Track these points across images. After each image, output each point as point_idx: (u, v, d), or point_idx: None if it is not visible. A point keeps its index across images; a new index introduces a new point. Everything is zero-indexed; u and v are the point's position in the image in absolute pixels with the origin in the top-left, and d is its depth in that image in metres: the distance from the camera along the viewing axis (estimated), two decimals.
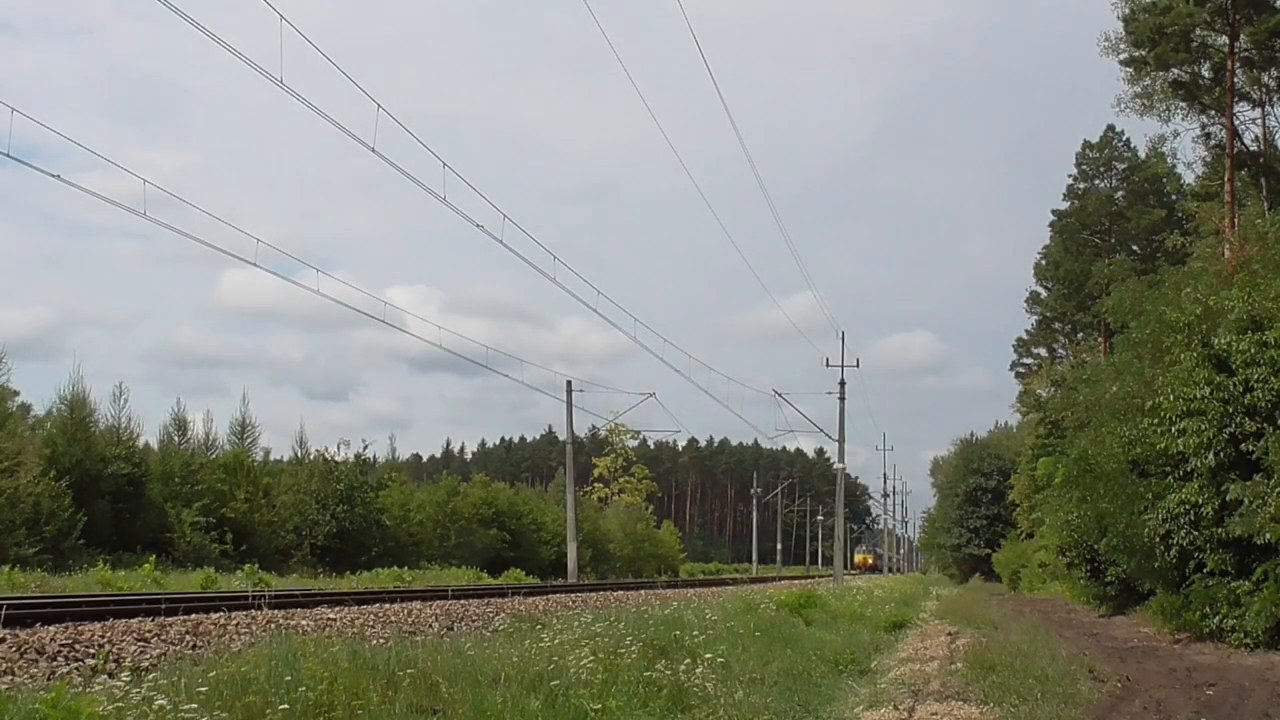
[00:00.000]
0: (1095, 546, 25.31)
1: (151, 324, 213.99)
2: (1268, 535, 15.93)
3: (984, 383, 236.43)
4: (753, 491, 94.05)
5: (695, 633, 12.31)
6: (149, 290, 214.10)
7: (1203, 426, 17.47)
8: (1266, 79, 33.22)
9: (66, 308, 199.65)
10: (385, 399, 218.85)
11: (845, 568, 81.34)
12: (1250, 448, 16.86)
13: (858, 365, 56.91)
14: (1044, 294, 56.54)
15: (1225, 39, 32.57)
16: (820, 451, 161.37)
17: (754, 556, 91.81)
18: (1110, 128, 51.08)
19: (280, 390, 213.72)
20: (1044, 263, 55.48)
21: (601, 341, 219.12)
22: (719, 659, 10.41)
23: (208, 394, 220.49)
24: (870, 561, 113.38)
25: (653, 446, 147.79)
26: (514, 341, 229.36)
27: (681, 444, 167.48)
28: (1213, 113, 33.91)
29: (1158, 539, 18.51)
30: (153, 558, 27.47)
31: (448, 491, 50.87)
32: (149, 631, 11.33)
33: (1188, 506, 17.79)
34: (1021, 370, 62.22)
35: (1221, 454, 17.25)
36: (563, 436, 48.65)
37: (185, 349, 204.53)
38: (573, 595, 25.18)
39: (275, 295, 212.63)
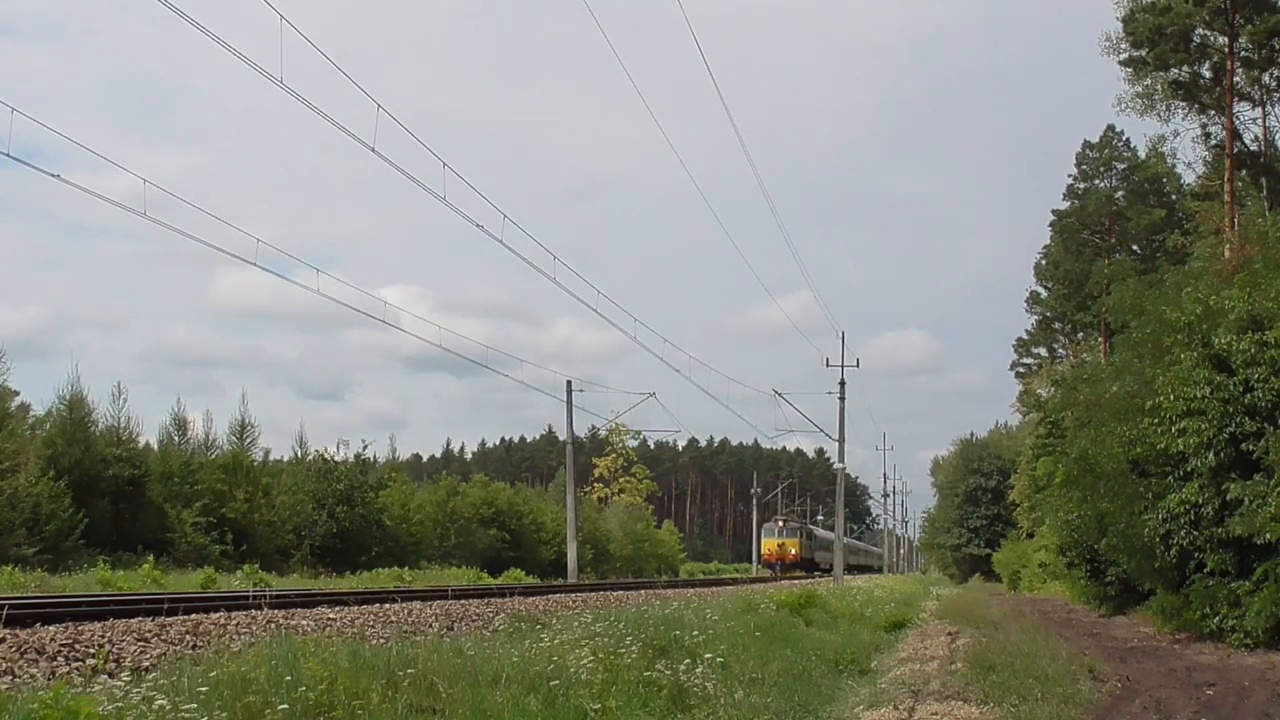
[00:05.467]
0: (1095, 546, 25.30)
1: (146, 323, 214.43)
2: (1268, 535, 15.93)
3: (983, 383, 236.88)
4: (753, 491, 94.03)
5: (695, 633, 12.30)
6: (143, 289, 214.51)
7: (1203, 426, 17.46)
8: (1266, 79, 33.22)
9: (61, 307, 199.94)
10: (381, 399, 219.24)
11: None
12: (1250, 447, 16.85)
13: (857, 365, 56.76)
14: (1044, 294, 56.55)
15: (1225, 39, 32.56)
16: (820, 451, 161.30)
17: (754, 556, 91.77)
18: (1110, 128, 51.13)
19: (275, 390, 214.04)
20: (1044, 263, 55.49)
21: (596, 341, 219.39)
22: (719, 659, 10.41)
23: (203, 393, 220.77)
24: (794, 553, 71.16)
25: (653, 446, 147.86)
26: (507, 341, 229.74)
27: (681, 444, 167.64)
28: (1213, 113, 33.92)
29: (1158, 539, 18.50)
30: (153, 558, 27.46)
31: (447, 491, 50.85)
32: (149, 631, 11.32)
33: (1188, 506, 17.78)
34: (1021, 370, 62.27)
35: (1222, 454, 17.25)
36: (563, 436, 48.64)
37: (180, 348, 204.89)
38: (573, 595, 25.17)
39: (269, 295, 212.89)
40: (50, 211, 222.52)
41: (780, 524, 75.31)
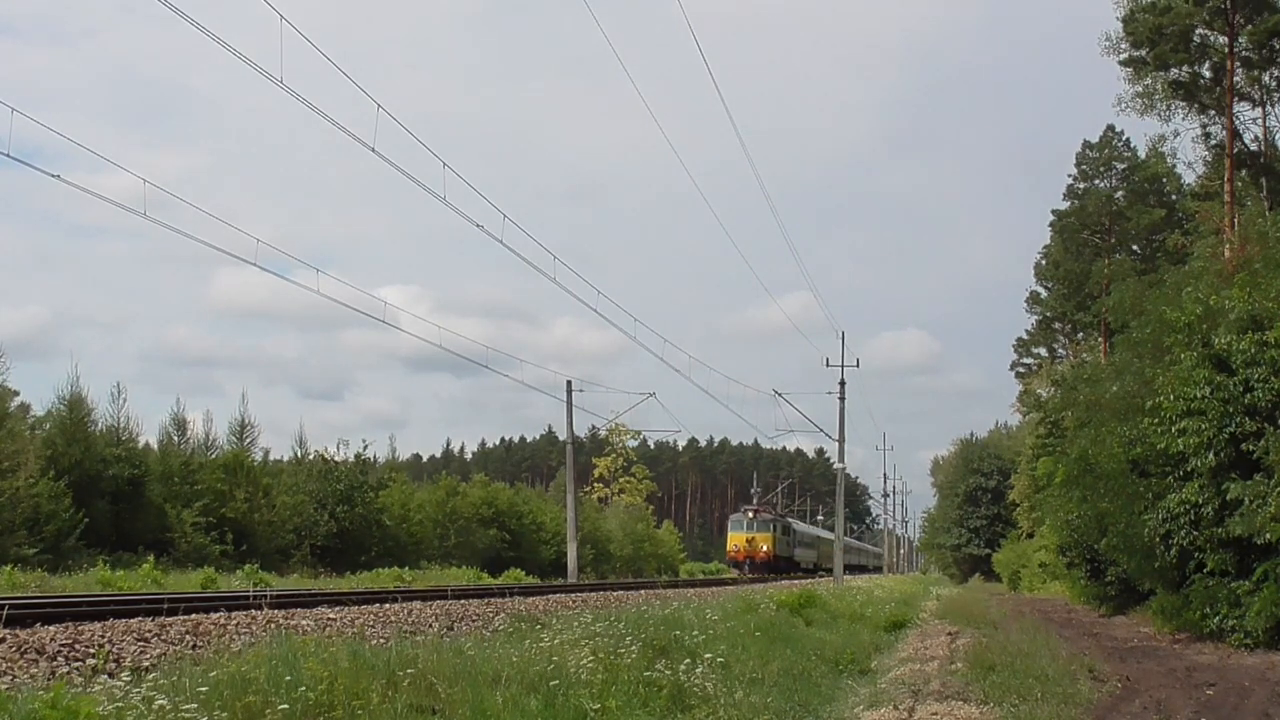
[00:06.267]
0: (1095, 546, 25.31)
1: (145, 323, 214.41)
2: (1268, 535, 15.93)
3: (983, 383, 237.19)
4: (753, 491, 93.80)
5: (695, 632, 12.31)
6: (143, 289, 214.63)
7: (1203, 426, 17.46)
8: (1266, 79, 33.24)
9: (61, 307, 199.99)
10: (380, 398, 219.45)
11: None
12: (1250, 447, 16.85)
13: (857, 365, 56.71)
14: (1044, 294, 56.57)
15: (1225, 39, 32.58)
16: (820, 451, 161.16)
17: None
18: (1110, 128, 51.16)
19: (274, 390, 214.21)
20: (1044, 263, 55.51)
21: (595, 341, 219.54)
22: (719, 659, 10.41)
23: (202, 393, 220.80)
24: (766, 549, 61.05)
25: (653, 446, 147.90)
26: (507, 341, 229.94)
27: (681, 444, 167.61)
28: (1213, 113, 33.93)
29: (1158, 539, 18.51)
30: (153, 558, 27.44)
31: (447, 491, 50.81)
32: (149, 631, 11.32)
33: (1188, 506, 17.78)
34: (1021, 370, 62.28)
35: (1221, 454, 17.25)
36: (562, 436, 48.62)
37: (179, 348, 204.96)
38: (573, 595, 25.16)
39: (268, 295, 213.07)
40: (50, 211, 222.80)
41: (750, 515, 63.94)
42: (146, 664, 9.42)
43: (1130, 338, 24.34)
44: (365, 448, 43.61)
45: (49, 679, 8.22)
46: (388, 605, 17.29)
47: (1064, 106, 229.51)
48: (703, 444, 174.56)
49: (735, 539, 63.48)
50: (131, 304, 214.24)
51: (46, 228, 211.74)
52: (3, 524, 26.64)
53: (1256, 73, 33.12)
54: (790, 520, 75.07)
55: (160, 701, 6.25)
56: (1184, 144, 74.95)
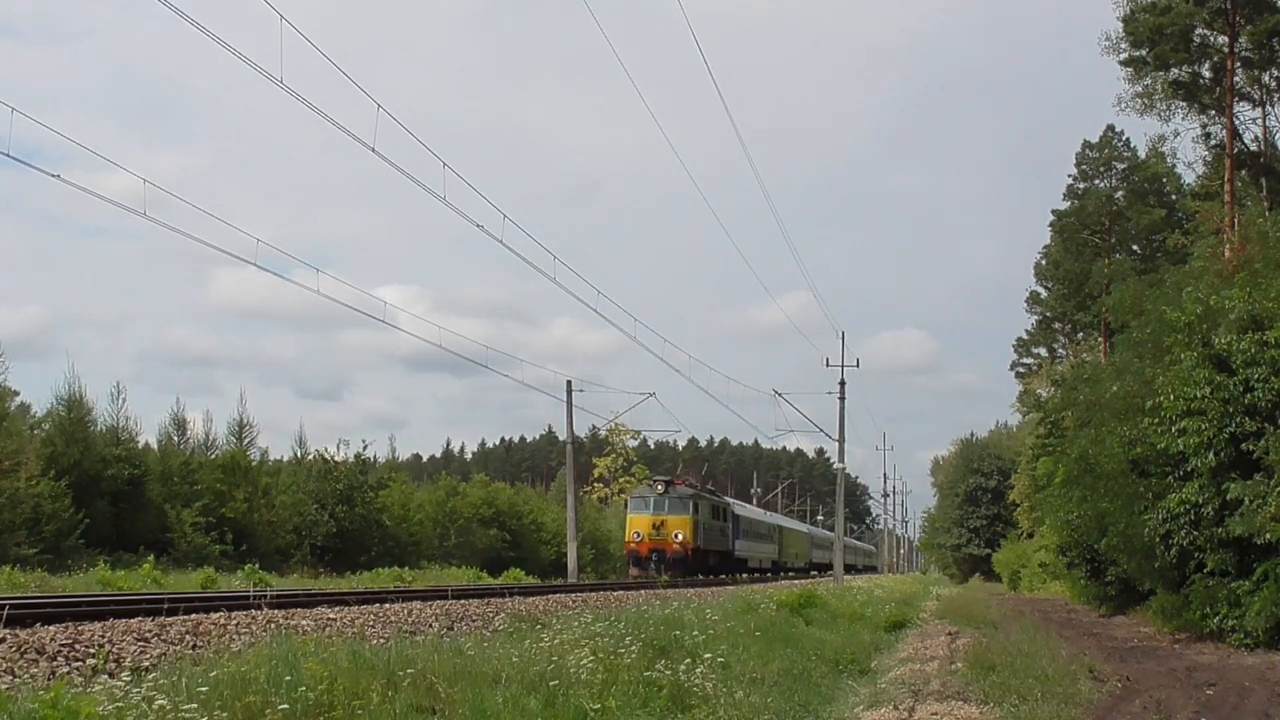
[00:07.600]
0: (1095, 546, 25.31)
1: (144, 323, 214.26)
2: (1268, 535, 15.93)
3: (982, 383, 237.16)
4: (753, 491, 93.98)
5: (695, 633, 12.30)
6: (142, 289, 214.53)
7: (1203, 426, 17.46)
8: (1266, 79, 33.24)
9: (61, 307, 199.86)
10: (379, 398, 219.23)
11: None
12: (1251, 447, 16.85)
13: (857, 365, 56.59)
14: (1044, 294, 56.59)
15: (1225, 39, 32.58)
16: (820, 451, 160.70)
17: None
18: (1110, 128, 51.16)
19: (273, 390, 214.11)
20: (1044, 263, 55.53)
21: (595, 341, 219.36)
22: (719, 659, 10.41)
23: (202, 393, 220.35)
24: (682, 539, 41.83)
25: (653, 446, 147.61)
26: (505, 341, 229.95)
27: (681, 444, 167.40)
28: (1213, 113, 33.92)
29: (1158, 539, 18.51)
30: (153, 558, 27.45)
31: (447, 491, 50.83)
32: (149, 631, 11.32)
33: (1188, 506, 17.78)
34: (1021, 370, 62.34)
35: (1222, 454, 17.24)
36: (562, 436, 48.59)
37: (178, 348, 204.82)
38: (573, 595, 25.15)
39: (267, 294, 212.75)
40: (50, 211, 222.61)
41: (659, 489, 43.79)
42: (146, 664, 9.42)
43: (1130, 338, 24.34)
44: (365, 448, 43.64)
45: (49, 679, 8.21)
46: (388, 605, 17.28)
47: (1064, 106, 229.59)
48: (703, 444, 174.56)
49: (636, 523, 43.30)
50: (131, 304, 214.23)
51: (46, 228, 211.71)
52: (3, 524, 26.66)
53: (1256, 73, 33.13)
54: (729, 501, 55.21)
55: (160, 701, 6.25)
56: (1184, 144, 75.13)
